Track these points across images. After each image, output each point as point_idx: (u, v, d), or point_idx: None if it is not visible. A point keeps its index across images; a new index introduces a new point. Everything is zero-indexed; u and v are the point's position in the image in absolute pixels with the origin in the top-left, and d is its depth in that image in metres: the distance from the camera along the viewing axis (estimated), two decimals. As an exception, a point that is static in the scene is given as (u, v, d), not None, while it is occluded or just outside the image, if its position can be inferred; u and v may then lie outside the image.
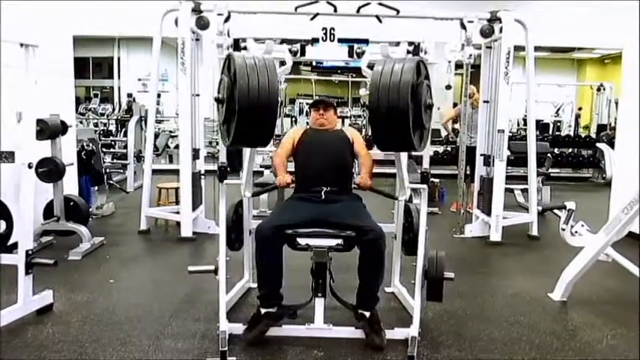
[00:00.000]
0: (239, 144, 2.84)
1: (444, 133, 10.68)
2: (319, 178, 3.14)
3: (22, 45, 3.07)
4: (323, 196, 3.09)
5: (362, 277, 2.96)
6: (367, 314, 2.95)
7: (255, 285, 3.42)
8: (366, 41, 3.34)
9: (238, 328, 2.93)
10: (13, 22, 4.00)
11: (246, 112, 2.43)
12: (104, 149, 8.10)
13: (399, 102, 2.40)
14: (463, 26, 4.87)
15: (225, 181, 3.02)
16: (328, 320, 2.92)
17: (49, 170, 4.36)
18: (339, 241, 2.89)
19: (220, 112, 2.64)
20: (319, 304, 2.94)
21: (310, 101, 13.30)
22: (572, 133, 11.70)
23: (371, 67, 3.25)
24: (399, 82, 2.40)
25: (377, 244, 2.87)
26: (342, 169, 3.26)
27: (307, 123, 10.65)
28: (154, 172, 5.67)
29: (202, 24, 5.13)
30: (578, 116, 12.51)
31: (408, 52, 3.24)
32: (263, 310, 2.95)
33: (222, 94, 2.58)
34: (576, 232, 3.65)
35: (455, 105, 9.78)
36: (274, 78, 2.48)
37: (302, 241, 2.90)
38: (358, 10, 4.48)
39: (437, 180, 7.34)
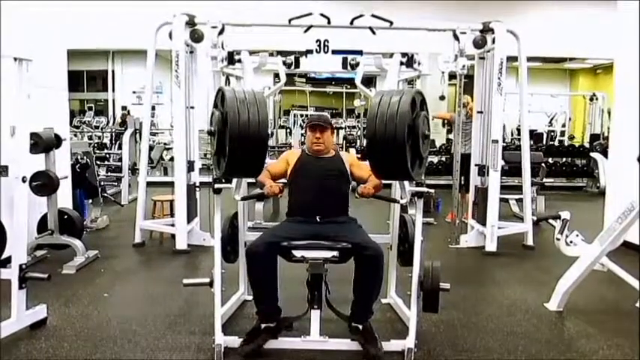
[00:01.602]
0: (230, 175, 2.94)
1: (438, 144, 10.74)
2: (313, 209, 3.13)
3: (15, 59, 3.06)
4: (318, 219, 3.09)
5: (357, 293, 2.95)
6: (360, 327, 2.95)
7: (250, 297, 3.41)
8: (359, 52, 3.37)
9: (234, 340, 2.91)
10: (6, 36, 4.00)
11: (237, 146, 2.51)
12: (98, 162, 8.09)
13: (396, 136, 2.45)
14: (456, 37, 4.91)
15: (217, 185, 3.01)
16: (324, 332, 2.90)
17: (43, 184, 4.33)
18: (335, 253, 2.88)
19: (212, 145, 2.72)
20: (315, 315, 2.92)
21: (304, 112, 13.40)
22: (565, 143, 11.77)
23: (365, 81, 3.28)
24: (395, 115, 2.45)
25: (375, 260, 2.86)
26: (337, 199, 3.23)
27: (302, 135, 10.65)
28: (149, 184, 5.66)
29: (196, 37, 5.15)
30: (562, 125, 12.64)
31: (402, 63, 3.26)
32: (263, 325, 2.94)
33: (214, 127, 2.65)
34: (571, 241, 3.65)
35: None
36: (264, 112, 2.56)
37: (297, 253, 2.89)
38: (352, 22, 4.51)
39: (432, 190, 7.33)
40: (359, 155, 3.53)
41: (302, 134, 10.87)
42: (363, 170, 3.30)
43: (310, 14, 4.12)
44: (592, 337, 3.24)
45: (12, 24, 4.29)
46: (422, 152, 2.63)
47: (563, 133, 12.61)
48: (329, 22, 4.39)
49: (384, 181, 3.21)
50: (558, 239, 3.71)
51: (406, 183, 3.10)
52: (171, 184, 5.42)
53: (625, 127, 5.47)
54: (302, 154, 3.37)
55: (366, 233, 3.11)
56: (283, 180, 3.37)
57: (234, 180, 3.10)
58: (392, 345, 2.92)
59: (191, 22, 5.09)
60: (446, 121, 7.55)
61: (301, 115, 13.24)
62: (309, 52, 3.30)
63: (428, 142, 2.72)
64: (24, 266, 3.08)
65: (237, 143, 2.50)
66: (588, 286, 3.73)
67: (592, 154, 9.94)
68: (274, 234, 3.05)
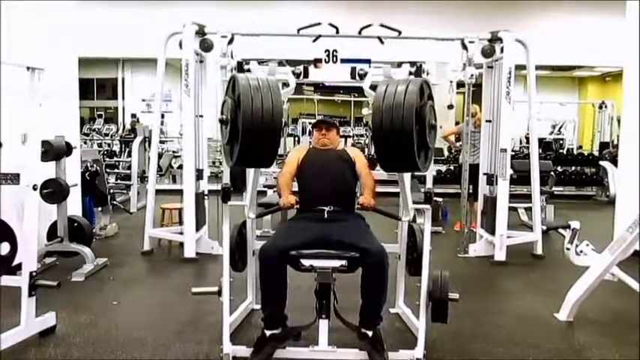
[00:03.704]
0: (242, 164, 2.89)
1: (446, 152, 10.71)
2: (322, 198, 3.15)
3: (28, 68, 3.10)
4: (326, 216, 3.09)
5: (365, 297, 2.95)
6: (370, 334, 2.92)
7: (258, 307, 3.41)
8: (368, 61, 3.38)
9: (242, 350, 2.91)
10: (19, 45, 4.05)
11: (250, 134, 2.45)
12: (108, 170, 8.13)
13: (403, 124, 2.40)
14: (464, 46, 4.91)
15: (229, 203, 3.02)
16: (332, 342, 2.89)
17: (54, 191, 4.35)
18: (344, 262, 2.87)
19: (224, 133, 2.66)
20: (323, 325, 2.91)
21: (313, 121, 13.41)
22: (574, 151, 11.73)
23: (374, 87, 3.28)
24: (402, 103, 2.40)
25: (380, 264, 2.86)
26: (344, 189, 3.26)
27: (310, 142, 10.65)
28: (158, 192, 5.68)
29: (206, 46, 5.18)
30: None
31: (410, 73, 3.26)
32: (268, 333, 2.93)
33: (226, 115, 2.59)
34: (581, 251, 3.63)
35: (457, 123, 9.81)
36: (278, 99, 2.50)
37: (306, 262, 2.88)
38: (360, 32, 4.53)
39: (440, 199, 7.32)
40: (367, 164, 3.56)
41: (309, 142, 10.89)
42: (363, 168, 3.37)
43: (319, 24, 4.14)
44: (603, 348, 3.21)
45: (24, 33, 4.34)
46: (429, 142, 2.59)
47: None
48: (337, 32, 4.41)
49: (391, 174, 3.18)
50: (568, 249, 3.69)
51: (409, 199, 3.09)
52: (179, 192, 5.44)
53: (634, 135, 5.43)
54: (309, 148, 3.46)
55: (372, 234, 3.11)
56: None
57: (247, 198, 3.10)
58: (400, 355, 2.91)
59: (201, 32, 5.13)
60: (457, 137, 7.47)
61: (309, 123, 13.25)
62: (318, 61, 3.30)
63: (435, 133, 2.66)
64: (34, 274, 3.09)
65: (249, 133, 2.45)
66: (599, 296, 3.70)
67: (601, 163, 9.88)
68: (284, 239, 3.06)
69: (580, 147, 12.61)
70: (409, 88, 2.44)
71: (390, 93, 2.45)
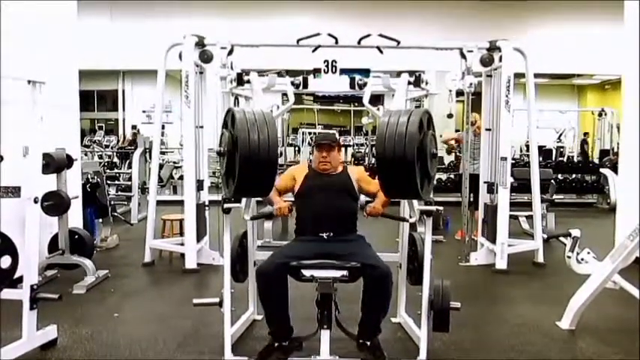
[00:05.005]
0: (240, 195, 2.95)
1: (446, 157, 10.70)
2: (321, 226, 3.14)
3: (29, 82, 3.11)
4: (326, 237, 3.10)
5: (365, 311, 2.96)
6: (368, 343, 2.95)
7: (259, 317, 3.40)
8: (367, 71, 3.39)
9: (243, 361, 2.91)
10: (20, 59, 4.07)
11: (247, 167, 2.54)
12: (109, 181, 8.14)
13: (405, 157, 2.47)
14: (463, 56, 4.94)
15: (226, 205, 3.02)
16: (334, 352, 2.87)
17: (55, 204, 4.36)
18: (345, 272, 2.87)
19: (222, 165, 2.74)
20: (325, 335, 2.89)
21: (313, 130, 13.45)
22: (575, 159, 11.73)
23: (373, 98, 3.30)
24: (404, 135, 2.47)
25: (383, 281, 2.86)
26: (344, 216, 3.23)
27: (310, 154, 10.67)
28: (159, 203, 5.68)
29: (206, 57, 5.21)
30: (584, 142, 12.53)
31: (410, 82, 3.28)
32: (276, 344, 2.95)
33: (224, 148, 2.68)
34: (582, 259, 3.62)
35: (457, 131, 9.82)
36: (274, 133, 2.59)
37: (307, 272, 2.88)
38: (359, 42, 4.55)
39: (441, 207, 7.28)
40: (368, 173, 3.53)
41: (310, 152, 10.91)
42: (371, 185, 3.34)
43: (318, 34, 4.16)
44: (605, 356, 3.20)
45: (25, 46, 4.37)
46: (430, 171, 2.65)
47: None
48: (337, 42, 4.43)
49: (393, 200, 3.22)
50: (569, 257, 3.68)
51: (415, 201, 3.11)
52: (180, 202, 5.44)
53: (634, 142, 5.44)
54: (309, 170, 3.39)
55: (375, 252, 3.11)
56: (292, 198, 3.38)
57: (244, 199, 3.11)
58: (403, 365, 2.91)
59: (201, 43, 5.15)
60: (455, 143, 7.38)
61: (309, 133, 13.29)
62: (317, 71, 3.32)
63: (436, 161, 2.75)
64: (35, 287, 3.09)
65: (246, 166, 2.52)
66: (600, 304, 3.69)
67: (602, 170, 9.88)
68: (284, 254, 3.06)
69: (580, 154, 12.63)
70: (410, 120, 2.50)
71: (392, 125, 2.51)
